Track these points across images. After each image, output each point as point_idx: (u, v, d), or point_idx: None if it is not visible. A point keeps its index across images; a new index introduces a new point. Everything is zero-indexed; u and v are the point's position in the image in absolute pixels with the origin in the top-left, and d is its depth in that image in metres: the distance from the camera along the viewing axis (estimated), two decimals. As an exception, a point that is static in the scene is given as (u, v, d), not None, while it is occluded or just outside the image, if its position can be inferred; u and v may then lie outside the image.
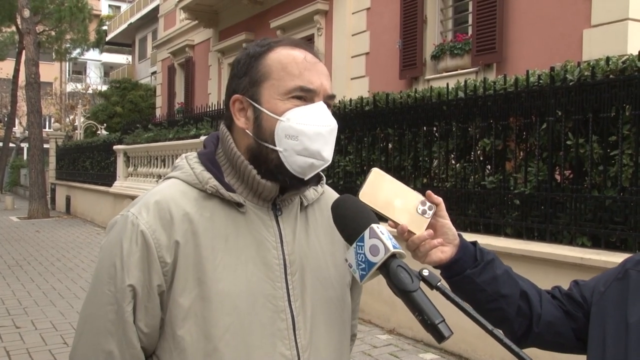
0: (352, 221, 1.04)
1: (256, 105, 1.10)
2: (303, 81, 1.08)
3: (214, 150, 1.17)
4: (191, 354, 1.04)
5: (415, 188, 1.15)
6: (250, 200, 1.13)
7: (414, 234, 1.12)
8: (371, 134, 6.18)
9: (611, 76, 4.02)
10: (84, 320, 1.09)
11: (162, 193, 1.10)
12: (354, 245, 1.02)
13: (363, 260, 1.00)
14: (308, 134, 1.07)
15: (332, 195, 1.29)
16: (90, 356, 1.07)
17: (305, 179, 1.11)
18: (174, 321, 1.05)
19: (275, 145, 1.08)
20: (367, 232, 1.01)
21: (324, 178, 1.28)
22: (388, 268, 0.99)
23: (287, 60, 1.09)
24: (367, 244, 1.00)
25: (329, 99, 1.12)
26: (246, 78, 1.11)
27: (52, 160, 20.85)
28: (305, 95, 1.08)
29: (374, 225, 1.02)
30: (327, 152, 1.10)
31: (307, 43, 1.16)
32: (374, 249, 0.99)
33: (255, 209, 1.13)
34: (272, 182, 1.11)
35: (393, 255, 0.99)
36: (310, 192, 1.22)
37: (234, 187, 1.13)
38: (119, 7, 42.10)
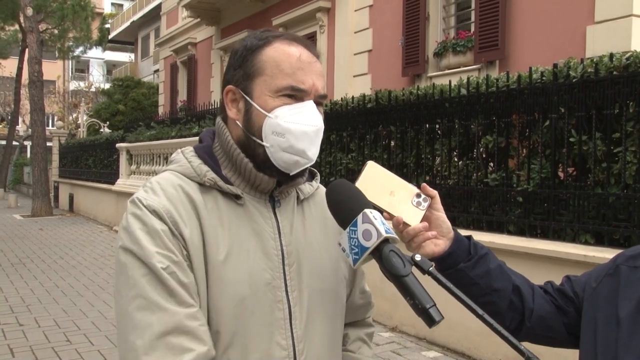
0: (346, 206, 1.05)
1: (247, 98, 1.10)
2: (295, 81, 1.08)
3: (211, 144, 1.17)
4: None
5: (417, 186, 1.15)
6: (248, 193, 1.14)
7: (409, 225, 1.12)
8: (373, 131, 6.17)
9: (615, 73, 4.01)
10: (124, 306, 0.99)
11: (165, 182, 1.09)
12: (347, 230, 1.03)
13: (356, 244, 1.01)
14: (295, 132, 1.07)
15: (324, 192, 1.30)
16: (146, 332, 0.96)
17: (291, 174, 1.11)
18: None
19: (262, 141, 1.09)
20: (360, 217, 1.01)
21: (318, 174, 1.30)
22: (381, 252, 0.99)
23: (281, 57, 1.09)
24: (360, 229, 1.01)
25: (320, 99, 1.12)
26: (241, 70, 1.12)
27: (55, 158, 20.92)
28: (295, 94, 1.08)
29: (366, 210, 1.02)
30: (312, 151, 1.10)
31: (306, 40, 1.16)
32: (366, 234, 1.00)
33: (252, 201, 1.14)
34: (269, 176, 1.12)
35: (386, 240, 0.99)
36: (306, 187, 1.24)
37: (231, 179, 1.13)
38: (121, 5, 42.11)
